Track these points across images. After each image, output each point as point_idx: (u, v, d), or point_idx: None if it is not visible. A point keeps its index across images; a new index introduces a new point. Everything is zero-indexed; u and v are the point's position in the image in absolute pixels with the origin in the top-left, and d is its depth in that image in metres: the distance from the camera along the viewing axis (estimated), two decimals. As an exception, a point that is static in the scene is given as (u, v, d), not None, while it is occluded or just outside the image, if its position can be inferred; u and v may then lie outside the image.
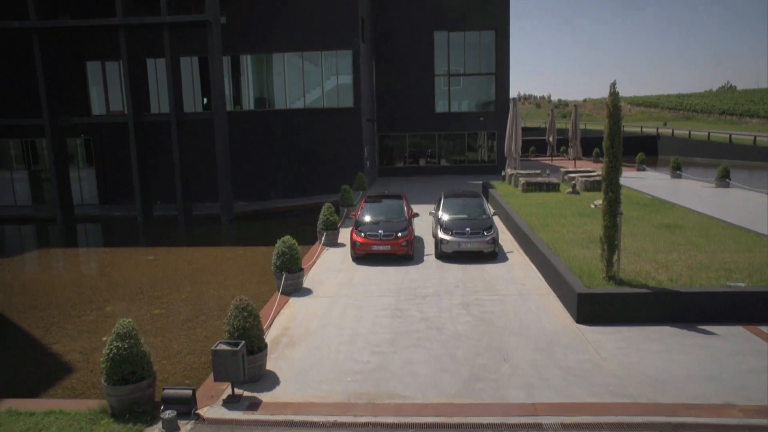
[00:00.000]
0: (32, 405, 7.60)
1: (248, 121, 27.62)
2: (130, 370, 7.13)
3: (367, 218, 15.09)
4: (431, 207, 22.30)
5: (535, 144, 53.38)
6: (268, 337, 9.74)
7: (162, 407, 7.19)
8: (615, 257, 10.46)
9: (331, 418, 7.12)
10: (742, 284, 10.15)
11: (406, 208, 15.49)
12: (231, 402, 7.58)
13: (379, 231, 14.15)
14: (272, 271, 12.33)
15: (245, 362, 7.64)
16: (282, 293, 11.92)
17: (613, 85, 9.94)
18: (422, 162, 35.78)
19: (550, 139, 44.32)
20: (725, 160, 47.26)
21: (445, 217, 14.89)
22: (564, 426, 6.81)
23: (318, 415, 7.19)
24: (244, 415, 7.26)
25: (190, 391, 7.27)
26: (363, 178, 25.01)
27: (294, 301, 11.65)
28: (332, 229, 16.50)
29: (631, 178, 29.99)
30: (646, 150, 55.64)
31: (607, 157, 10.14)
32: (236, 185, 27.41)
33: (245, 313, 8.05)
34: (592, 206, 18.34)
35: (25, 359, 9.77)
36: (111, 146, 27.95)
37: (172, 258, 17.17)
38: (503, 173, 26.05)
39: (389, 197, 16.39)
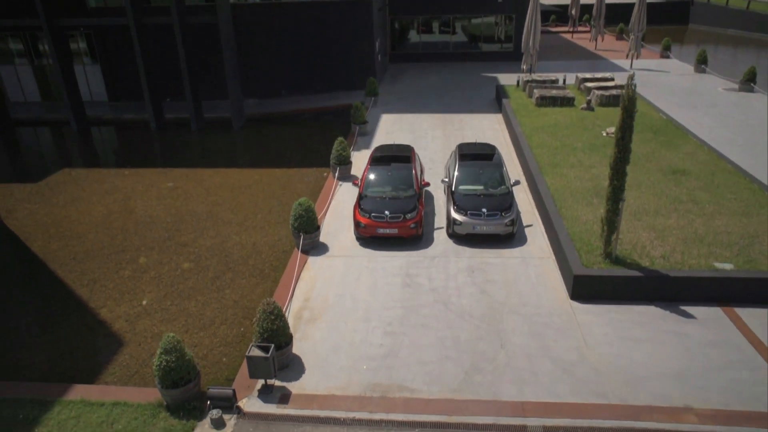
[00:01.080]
0: (98, 393, 9.02)
1: (254, 13, 26.16)
2: (178, 377, 8.40)
3: (372, 191, 13.79)
4: (445, 124, 21.83)
5: (556, 12, 50.00)
6: (291, 311, 10.93)
7: (208, 402, 8.60)
8: (614, 237, 11.10)
9: (350, 414, 8.51)
10: (728, 266, 10.90)
11: (415, 175, 14.12)
12: (265, 393, 8.95)
13: (386, 212, 12.96)
14: (290, 226, 13.17)
15: (275, 362, 8.86)
16: (301, 251, 12.89)
17: (631, 77, 9.69)
18: (435, 28, 34.01)
19: (573, 12, 41.67)
20: (762, 35, 44.40)
21: (458, 189, 13.70)
22: (546, 429, 8.14)
23: (339, 411, 8.57)
24: (277, 408, 8.66)
25: (231, 391, 8.60)
26: (374, 83, 24.45)
27: (312, 262, 12.64)
28: (345, 164, 16.89)
29: (652, 72, 28.91)
30: (677, 18, 52.09)
31: (617, 148, 10.26)
32: (246, 81, 26.96)
33: (272, 317, 9.07)
34: (604, 134, 18.29)
35: (80, 328, 11.09)
36: (114, 40, 26.99)
37: (190, 186, 17.88)
38: (518, 79, 25.16)
39: (397, 158, 14.85)
